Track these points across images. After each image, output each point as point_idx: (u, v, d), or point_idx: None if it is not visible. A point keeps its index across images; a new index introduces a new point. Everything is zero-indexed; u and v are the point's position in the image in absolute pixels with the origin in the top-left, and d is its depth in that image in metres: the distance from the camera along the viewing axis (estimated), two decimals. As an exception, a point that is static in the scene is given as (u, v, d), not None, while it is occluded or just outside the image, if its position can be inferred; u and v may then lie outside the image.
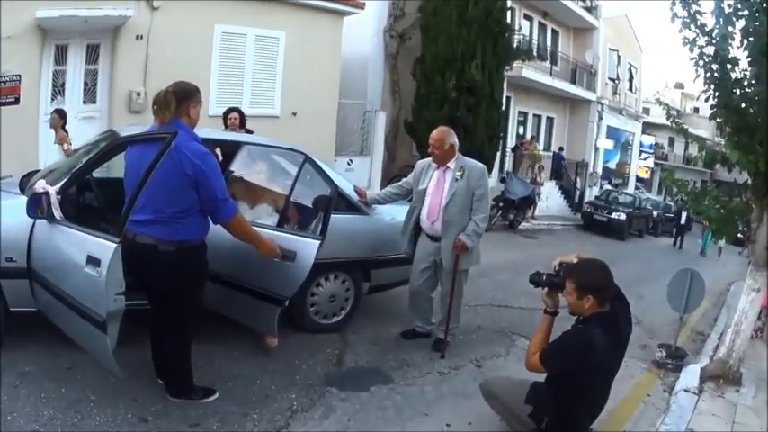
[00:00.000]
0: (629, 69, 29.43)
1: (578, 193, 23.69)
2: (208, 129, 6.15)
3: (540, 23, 22.92)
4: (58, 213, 3.86)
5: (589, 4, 24.75)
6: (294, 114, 13.06)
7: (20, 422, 3.57)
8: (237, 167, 5.42)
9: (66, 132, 8.95)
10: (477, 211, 5.34)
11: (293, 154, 5.16)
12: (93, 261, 3.35)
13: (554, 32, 24.11)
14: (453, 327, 5.66)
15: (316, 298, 5.57)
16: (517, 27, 19.51)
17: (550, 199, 21.44)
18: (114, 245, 3.28)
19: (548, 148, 24.21)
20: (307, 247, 4.30)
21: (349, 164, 14.56)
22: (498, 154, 17.09)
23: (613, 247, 17.72)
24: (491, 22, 14.89)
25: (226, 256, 4.23)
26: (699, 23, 5.68)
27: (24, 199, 3.97)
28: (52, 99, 10.64)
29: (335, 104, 14.10)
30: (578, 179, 24.18)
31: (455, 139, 5.47)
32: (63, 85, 10.82)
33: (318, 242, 4.34)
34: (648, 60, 32.28)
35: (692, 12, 5.69)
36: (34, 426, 3.55)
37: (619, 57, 27.50)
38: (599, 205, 21.29)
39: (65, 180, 4.26)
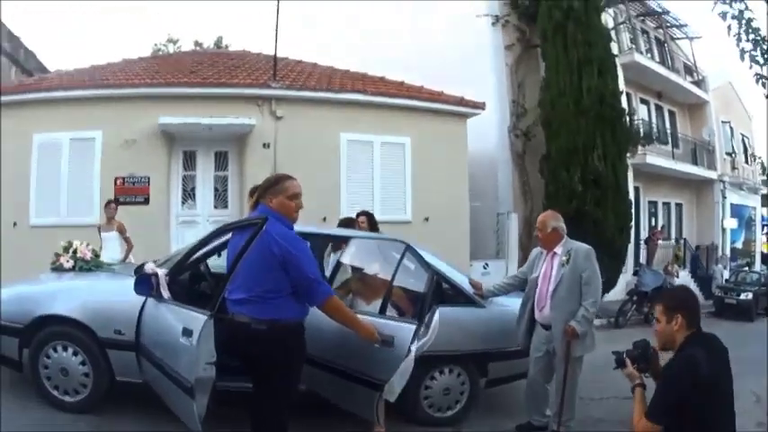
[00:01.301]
0: (743, 140, 27.84)
1: (713, 280, 22.25)
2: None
3: (656, 106, 22.39)
4: (165, 293, 4.20)
5: (696, 78, 24.02)
6: (426, 219, 12.96)
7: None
8: (347, 261, 5.59)
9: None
10: (586, 295, 5.16)
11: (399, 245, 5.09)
12: (187, 332, 3.74)
13: (671, 113, 23.46)
14: (567, 418, 5.31)
15: (429, 390, 5.47)
16: (635, 112, 19.13)
17: (684, 289, 20.21)
18: (205, 317, 3.63)
19: (680, 235, 23.09)
20: (403, 332, 4.25)
21: (485, 267, 14.09)
22: (631, 246, 16.28)
23: (740, 329, 16.05)
24: (606, 109, 14.53)
25: (328, 339, 4.26)
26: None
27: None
28: (183, 203, 11.43)
29: (467, 207, 13.89)
30: (710, 264, 22.79)
31: (560, 223, 5.40)
32: (193, 189, 11.64)
33: (414, 327, 4.28)
34: (759, 127, 30.10)
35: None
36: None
37: (731, 128, 26.13)
38: (728, 288, 20.13)
39: (174, 264, 4.61)
